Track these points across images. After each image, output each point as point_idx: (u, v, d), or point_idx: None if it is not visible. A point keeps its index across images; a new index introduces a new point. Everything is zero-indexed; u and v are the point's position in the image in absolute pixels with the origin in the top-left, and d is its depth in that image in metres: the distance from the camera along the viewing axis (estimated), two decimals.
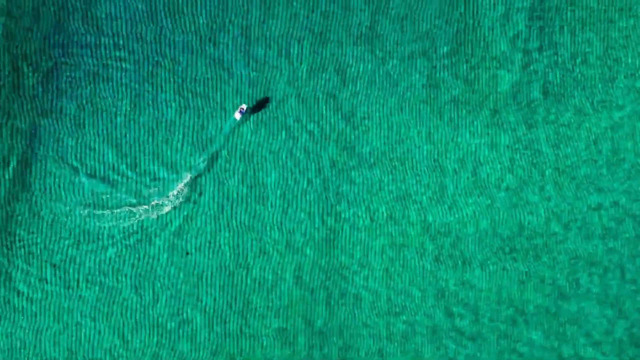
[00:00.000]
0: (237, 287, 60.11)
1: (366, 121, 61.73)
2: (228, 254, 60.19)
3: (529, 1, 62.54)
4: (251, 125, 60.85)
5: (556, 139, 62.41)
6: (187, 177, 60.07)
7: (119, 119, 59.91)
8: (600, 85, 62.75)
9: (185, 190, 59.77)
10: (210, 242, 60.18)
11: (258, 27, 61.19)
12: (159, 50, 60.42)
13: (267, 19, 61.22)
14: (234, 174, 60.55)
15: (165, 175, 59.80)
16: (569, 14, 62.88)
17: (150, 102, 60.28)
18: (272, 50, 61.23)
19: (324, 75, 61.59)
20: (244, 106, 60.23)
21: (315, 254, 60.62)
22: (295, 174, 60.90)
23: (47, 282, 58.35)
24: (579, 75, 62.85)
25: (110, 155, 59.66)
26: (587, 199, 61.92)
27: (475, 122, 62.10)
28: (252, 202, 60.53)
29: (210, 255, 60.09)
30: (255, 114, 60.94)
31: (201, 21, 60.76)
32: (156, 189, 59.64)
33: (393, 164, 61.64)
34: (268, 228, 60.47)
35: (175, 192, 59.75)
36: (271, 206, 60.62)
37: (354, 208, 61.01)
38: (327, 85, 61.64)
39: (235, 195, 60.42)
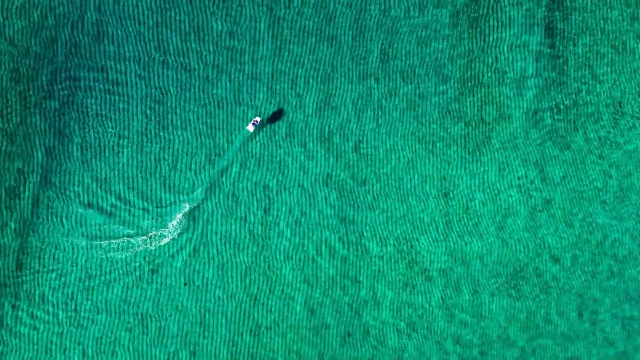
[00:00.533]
0: (244, 321, 59.30)
1: (374, 154, 61.27)
2: (235, 288, 59.36)
3: (535, 37, 62.62)
4: (258, 156, 60.21)
5: (561, 175, 62.41)
6: (185, 208, 59.12)
7: (120, 151, 58.98)
8: (606, 122, 62.87)
9: (184, 221, 58.81)
10: (217, 276, 59.35)
11: (266, 59, 60.56)
12: (164, 83, 59.57)
13: (275, 51, 60.64)
14: (239, 205, 59.77)
15: (164, 206, 58.83)
16: (577, 52, 63.02)
17: (154, 134, 59.40)
18: (281, 83, 60.64)
19: (332, 107, 61.10)
20: (258, 119, 59.52)
21: (325, 286, 60.08)
22: (303, 206, 60.28)
23: (39, 318, 57.10)
24: (585, 113, 63.05)
25: (107, 186, 58.65)
26: (591, 236, 61.94)
27: (481, 158, 61.87)
28: (260, 233, 59.89)
29: (217, 289, 59.32)
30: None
31: (208, 53, 59.97)
32: (154, 220, 58.64)
33: (401, 198, 61.26)
34: (276, 260, 59.79)
35: (174, 223, 58.78)
36: (279, 238, 59.97)
37: (363, 241, 60.57)
38: (335, 117, 61.14)
39: (241, 227, 59.67)
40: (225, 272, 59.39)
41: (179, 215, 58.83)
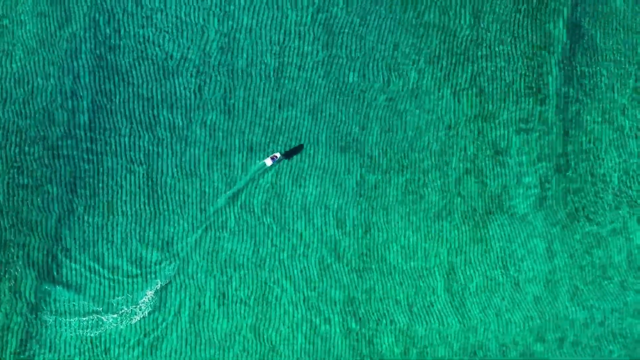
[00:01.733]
0: None
1: (383, 233, 59.92)
2: None
3: (536, 128, 61.84)
4: (253, 229, 58.73)
5: (559, 258, 61.27)
6: (157, 285, 57.50)
7: (89, 225, 57.47)
8: (589, 195, 61.96)
9: (155, 298, 57.20)
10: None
11: (242, 132, 59.41)
12: (134, 155, 58.33)
13: (251, 124, 59.59)
14: (233, 280, 58.27)
15: (133, 283, 57.31)
16: (579, 141, 62.33)
17: (126, 208, 58.01)
18: (256, 157, 59.44)
19: (343, 186, 59.91)
20: (278, 154, 58.73)
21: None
22: (306, 282, 58.96)
23: None
24: (582, 198, 62.24)
25: (75, 260, 57.00)
26: (575, 315, 60.63)
27: (474, 244, 60.68)
28: (260, 314, 58.45)
29: None
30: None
31: (181, 124, 58.69)
32: (125, 297, 57.08)
33: (407, 276, 59.93)
34: (278, 337, 58.31)
35: (145, 300, 57.20)
36: (280, 311, 58.52)
37: (369, 318, 59.30)
38: (344, 197, 59.90)
39: (238, 305, 58.23)
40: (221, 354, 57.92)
41: (151, 292, 57.33)
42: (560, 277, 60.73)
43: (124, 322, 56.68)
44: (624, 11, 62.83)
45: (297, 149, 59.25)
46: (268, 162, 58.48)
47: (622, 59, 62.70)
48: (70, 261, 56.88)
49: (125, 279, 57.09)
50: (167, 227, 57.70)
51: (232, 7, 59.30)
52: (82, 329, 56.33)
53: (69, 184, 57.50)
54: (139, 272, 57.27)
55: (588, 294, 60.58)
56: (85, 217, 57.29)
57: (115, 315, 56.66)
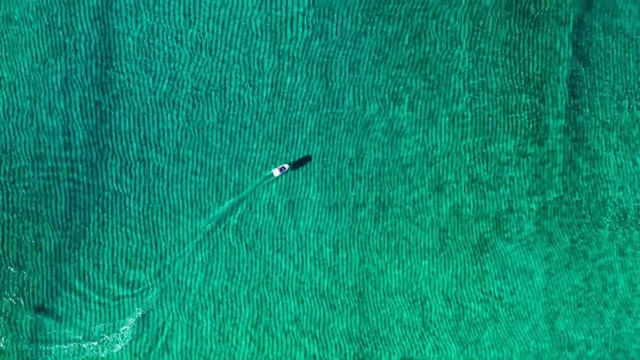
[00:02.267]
0: None
1: (376, 264, 59.06)
2: None
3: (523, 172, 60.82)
4: (248, 262, 57.96)
5: (542, 285, 60.09)
6: (138, 313, 56.65)
7: (72, 252, 56.88)
8: (584, 228, 60.71)
9: (137, 326, 56.36)
10: None
11: (223, 166, 58.57)
12: (116, 181, 57.64)
13: (233, 159, 58.67)
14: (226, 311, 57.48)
15: (115, 311, 56.55)
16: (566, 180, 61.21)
17: (108, 232, 57.36)
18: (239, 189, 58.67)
19: (336, 216, 59.03)
20: (286, 165, 58.09)
21: None
22: (303, 314, 58.32)
23: None
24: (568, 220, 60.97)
25: (56, 287, 56.43)
26: (569, 349, 59.70)
27: (474, 272, 59.76)
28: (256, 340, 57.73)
29: None
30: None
31: (162, 154, 57.98)
32: (105, 324, 56.38)
33: (400, 306, 59.09)
34: None
35: (127, 328, 56.34)
36: (275, 344, 57.91)
37: (365, 347, 58.47)
38: (338, 227, 59.11)
39: (234, 333, 57.55)
40: None
41: (132, 320, 56.53)
42: (554, 309, 59.62)
43: (105, 351, 55.87)
44: (619, 48, 61.47)
45: (305, 160, 58.46)
46: (276, 172, 57.86)
47: (614, 95, 61.31)
48: (61, 289, 56.54)
49: (107, 302, 56.43)
50: (153, 254, 57.03)
51: (222, 34, 58.27)
52: (63, 357, 55.68)
53: (57, 215, 57.01)
54: (125, 293, 56.65)
55: (582, 326, 59.60)
56: (73, 247, 56.78)
57: (95, 343, 55.91)
